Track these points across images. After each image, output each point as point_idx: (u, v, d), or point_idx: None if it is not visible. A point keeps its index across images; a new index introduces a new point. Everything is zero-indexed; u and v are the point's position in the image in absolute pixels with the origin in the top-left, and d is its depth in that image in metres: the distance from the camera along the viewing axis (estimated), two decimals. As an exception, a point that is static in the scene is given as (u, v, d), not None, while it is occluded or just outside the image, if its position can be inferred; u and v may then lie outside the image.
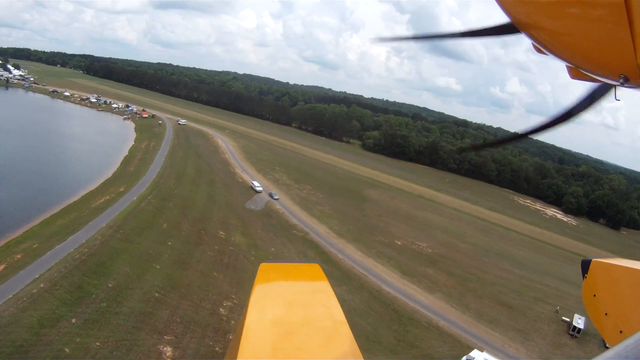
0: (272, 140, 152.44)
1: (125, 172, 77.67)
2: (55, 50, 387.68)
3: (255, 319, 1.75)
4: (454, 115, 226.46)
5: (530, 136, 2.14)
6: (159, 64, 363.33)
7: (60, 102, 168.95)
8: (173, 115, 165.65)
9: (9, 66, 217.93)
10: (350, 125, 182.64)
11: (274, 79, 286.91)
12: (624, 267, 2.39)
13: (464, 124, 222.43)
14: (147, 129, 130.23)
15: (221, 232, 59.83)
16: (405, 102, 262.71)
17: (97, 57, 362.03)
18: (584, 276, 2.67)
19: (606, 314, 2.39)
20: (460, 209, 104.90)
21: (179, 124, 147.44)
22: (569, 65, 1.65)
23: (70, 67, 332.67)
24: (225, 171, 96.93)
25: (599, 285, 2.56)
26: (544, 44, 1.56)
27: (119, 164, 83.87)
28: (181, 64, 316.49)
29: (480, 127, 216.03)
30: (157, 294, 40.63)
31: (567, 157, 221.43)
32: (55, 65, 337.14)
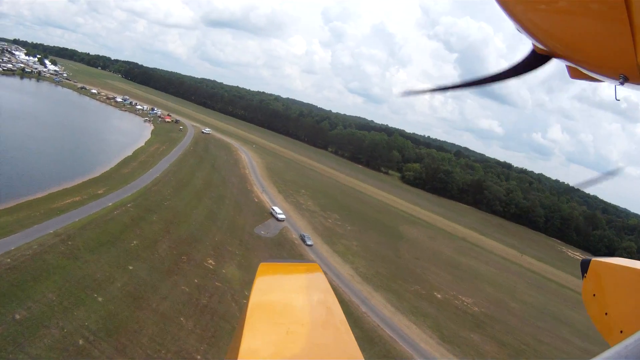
0: (302, 161, 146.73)
1: (116, 174, 69.56)
2: (102, 54, 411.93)
3: (255, 318, 1.81)
4: (496, 158, 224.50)
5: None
6: (202, 79, 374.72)
7: (86, 98, 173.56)
8: (201, 124, 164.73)
9: (46, 61, 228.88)
10: (390, 155, 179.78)
11: (316, 106, 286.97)
12: (624, 266, 2.49)
13: (508, 166, 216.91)
14: (165, 133, 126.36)
15: (210, 261, 48.63)
16: (446, 140, 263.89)
17: (140, 65, 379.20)
18: (583, 276, 2.79)
19: (606, 313, 2.49)
20: (507, 257, 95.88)
21: (203, 132, 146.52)
22: (569, 64, 1.73)
23: (111, 71, 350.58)
24: (241, 188, 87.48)
25: (598, 285, 2.66)
26: (544, 43, 1.64)
27: (115, 164, 76.34)
28: (226, 82, 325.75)
29: (523, 171, 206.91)
30: (81, 341, 29.45)
31: (610, 209, 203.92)
32: (97, 67, 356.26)
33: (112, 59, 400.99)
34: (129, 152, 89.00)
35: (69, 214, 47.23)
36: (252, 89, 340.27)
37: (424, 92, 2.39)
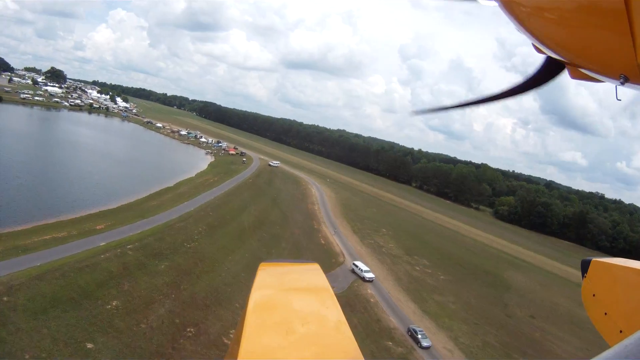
0: (383, 196, 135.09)
1: (139, 206, 58.98)
2: (180, 95, 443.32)
3: (255, 318, 1.92)
4: (583, 190, 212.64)
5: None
6: (282, 119, 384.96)
7: (150, 132, 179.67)
8: (272, 158, 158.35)
9: (118, 99, 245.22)
10: (480, 188, 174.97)
11: (398, 144, 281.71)
12: (624, 266, 2.65)
13: (600, 196, 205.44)
14: (224, 165, 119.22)
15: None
16: (531, 174, 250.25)
17: (215, 104, 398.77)
18: (583, 276, 2.93)
19: (606, 313, 2.64)
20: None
21: (270, 165, 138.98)
22: (569, 65, 1.83)
23: (186, 110, 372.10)
24: (305, 226, 72.95)
25: (598, 285, 2.81)
26: (544, 44, 1.73)
27: (145, 195, 66.39)
28: (306, 122, 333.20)
29: (616, 202, 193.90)
30: None
31: None
32: (173, 106, 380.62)
33: (190, 99, 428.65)
34: (171, 183, 79.66)
35: (34, 255, 35.54)
36: (332, 129, 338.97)
37: (437, 110, 2.47)
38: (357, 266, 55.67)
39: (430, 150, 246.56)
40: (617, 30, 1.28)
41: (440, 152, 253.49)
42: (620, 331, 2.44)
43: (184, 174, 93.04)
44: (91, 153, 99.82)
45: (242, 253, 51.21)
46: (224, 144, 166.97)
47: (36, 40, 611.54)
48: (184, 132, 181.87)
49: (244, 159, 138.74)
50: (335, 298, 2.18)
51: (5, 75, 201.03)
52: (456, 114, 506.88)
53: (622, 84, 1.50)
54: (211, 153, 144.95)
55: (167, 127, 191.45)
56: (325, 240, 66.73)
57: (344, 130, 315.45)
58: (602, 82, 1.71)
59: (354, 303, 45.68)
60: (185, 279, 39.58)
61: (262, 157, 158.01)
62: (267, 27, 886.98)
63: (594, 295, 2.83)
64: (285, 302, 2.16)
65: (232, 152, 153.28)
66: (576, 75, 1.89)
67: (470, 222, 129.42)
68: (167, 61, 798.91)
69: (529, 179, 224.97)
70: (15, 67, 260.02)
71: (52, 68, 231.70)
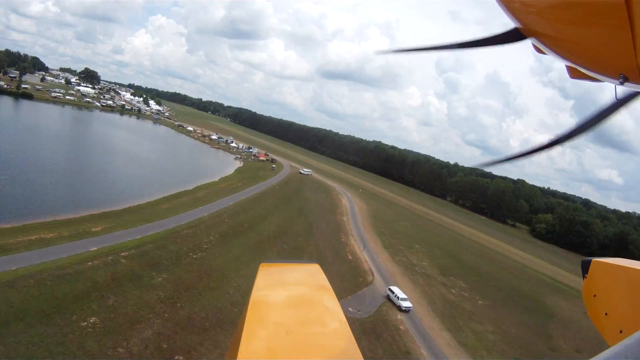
0: (417, 210, 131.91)
1: (148, 209, 55.65)
2: (215, 101, 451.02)
3: (255, 318, 1.96)
4: (619, 209, 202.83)
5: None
6: (317, 128, 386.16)
7: (181, 135, 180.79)
8: (304, 166, 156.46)
9: (151, 102, 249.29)
10: (517, 204, 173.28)
11: (434, 157, 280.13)
12: (624, 267, 2.67)
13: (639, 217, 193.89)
14: (251, 171, 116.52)
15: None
16: (566, 192, 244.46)
17: (249, 110, 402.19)
18: (584, 276, 2.97)
19: (606, 314, 2.68)
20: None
21: (301, 173, 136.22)
22: (569, 64, 1.86)
23: (221, 115, 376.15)
24: (331, 239, 67.94)
25: (599, 285, 2.85)
26: (544, 43, 1.76)
27: (159, 197, 63.23)
28: (342, 133, 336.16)
29: None
30: None
31: None
32: (207, 111, 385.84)
33: (226, 105, 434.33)
34: (191, 186, 76.46)
35: (12, 258, 32.39)
36: (368, 140, 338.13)
37: (400, 51, 2.52)
38: (392, 292, 49.33)
39: (465, 165, 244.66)
40: (617, 29, 1.29)
41: (476, 167, 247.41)
42: (621, 331, 2.47)
43: (206, 178, 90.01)
44: (111, 152, 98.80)
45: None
46: (255, 150, 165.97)
47: (76, 43, 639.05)
48: (214, 137, 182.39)
49: (274, 166, 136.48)
50: (335, 298, 2.19)
51: (39, 74, 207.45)
52: (492, 128, 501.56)
53: (622, 83, 1.51)
54: (240, 158, 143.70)
55: (198, 131, 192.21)
56: (353, 256, 61.24)
57: (379, 142, 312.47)
58: (601, 81, 1.72)
59: (381, 330, 40.11)
60: (184, 295, 35.08)
61: (293, 164, 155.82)
62: (306, 36, 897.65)
63: (594, 295, 2.85)
64: (285, 302, 2.19)
65: (262, 158, 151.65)
66: (576, 75, 1.91)
67: (508, 240, 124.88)
68: (205, 68, 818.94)
69: (565, 197, 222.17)
70: (52, 67, 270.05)
71: (86, 69, 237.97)
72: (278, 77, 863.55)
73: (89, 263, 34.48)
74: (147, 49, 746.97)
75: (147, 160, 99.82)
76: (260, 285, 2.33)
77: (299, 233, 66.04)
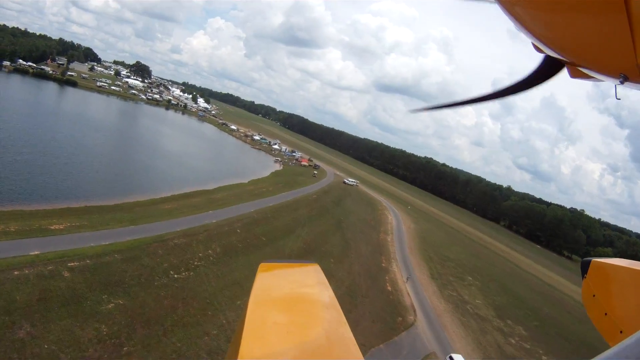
0: (470, 233, 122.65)
1: (144, 208, 46.21)
2: (266, 105, 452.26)
3: (255, 318, 1.96)
4: None
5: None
6: (367, 139, 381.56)
7: (223, 134, 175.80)
8: (349, 176, 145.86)
9: (200, 100, 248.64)
10: (575, 235, 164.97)
11: (484, 179, 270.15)
12: (624, 267, 2.71)
13: None
14: (289, 175, 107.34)
15: None
16: (616, 224, 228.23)
17: (300, 116, 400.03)
18: (583, 276, 3.00)
19: (606, 314, 2.69)
20: None
21: (345, 182, 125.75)
22: (569, 64, 1.90)
23: (271, 119, 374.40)
24: (371, 263, 56.80)
25: (598, 285, 2.88)
26: (544, 43, 1.78)
27: (167, 195, 53.99)
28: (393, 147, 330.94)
29: None
30: None
31: None
32: (258, 114, 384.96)
33: (278, 110, 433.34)
34: (211, 186, 67.02)
35: None
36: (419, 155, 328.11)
37: (436, 108, 2.55)
38: None
39: (515, 189, 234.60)
40: (617, 29, 1.29)
41: (526, 192, 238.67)
42: (621, 331, 2.46)
43: (234, 179, 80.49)
44: (133, 141, 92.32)
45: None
46: (298, 154, 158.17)
47: (134, 39, 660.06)
48: (257, 137, 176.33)
49: (316, 172, 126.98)
50: (335, 298, 2.19)
51: (89, 64, 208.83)
52: (545, 153, 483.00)
53: (622, 83, 1.52)
54: (280, 161, 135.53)
55: (241, 131, 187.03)
56: (392, 286, 49.44)
57: (430, 159, 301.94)
58: (602, 81, 1.74)
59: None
60: (139, 333, 24.50)
61: (338, 173, 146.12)
62: (363, 48, 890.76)
63: (594, 295, 2.85)
64: (285, 303, 2.19)
65: (304, 163, 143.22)
66: (576, 75, 1.92)
67: (567, 275, 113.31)
68: (261, 72, 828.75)
69: (619, 229, 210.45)
70: (105, 60, 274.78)
71: (138, 62, 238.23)
72: (334, 87, 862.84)
73: (15, 272, 24.73)
74: (204, 50, 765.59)
75: (171, 153, 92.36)
76: (260, 285, 2.26)
77: (331, 253, 54.76)
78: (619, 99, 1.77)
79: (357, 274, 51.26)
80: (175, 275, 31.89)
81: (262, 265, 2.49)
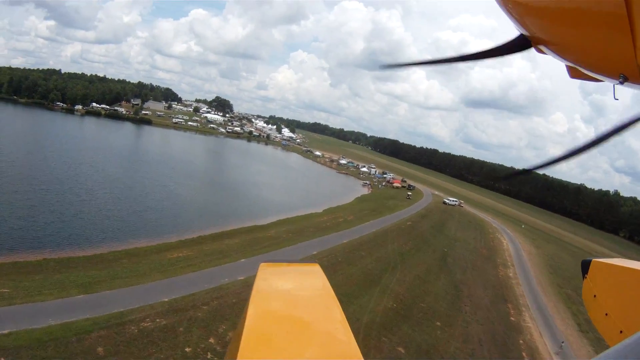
0: (598, 251, 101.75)
1: (128, 262, 30.93)
2: (356, 131, 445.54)
3: (255, 319, 1.93)
4: None
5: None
6: (461, 156, 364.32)
7: (307, 160, 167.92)
8: (448, 194, 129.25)
9: (285, 129, 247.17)
10: None
11: (585, 186, 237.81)
12: (624, 267, 2.73)
13: None
14: (378, 200, 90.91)
15: None
16: None
17: (390, 139, 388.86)
18: (584, 276, 3.05)
19: (606, 314, 2.73)
20: None
21: (445, 202, 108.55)
22: (569, 64, 1.90)
23: (361, 144, 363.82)
24: (494, 317, 38.37)
25: (599, 285, 2.92)
26: (543, 43, 1.80)
27: (195, 236, 38.72)
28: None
29: None
30: None
31: None
32: (348, 141, 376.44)
33: (369, 135, 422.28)
34: (268, 220, 51.24)
35: None
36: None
37: (407, 65, 2.57)
38: None
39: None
40: (617, 30, 1.29)
41: (632, 196, 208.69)
42: (621, 331, 2.49)
43: (307, 208, 64.89)
44: (197, 174, 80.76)
45: None
46: (390, 176, 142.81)
47: (220, 80, 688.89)
48: (343, 162, 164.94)
49: (410, 193, 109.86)
50: (335, 299, 2.14)
51: (168, 103, 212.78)
52: None
53: (621, 83, 1.52)
54: (369, 185, 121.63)
55: (326, 156, 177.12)
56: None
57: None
58: (601, 81, 1.74)
59: None
60: None
61: (436, 192, 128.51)
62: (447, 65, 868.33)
63: (594, 296, 2.88)
64: (285, 303, 2.15)
65: (396, 184, 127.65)
66: (576, 75, 1.94)
67: None
68: (349, 100, 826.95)
69: None
70: (187, 99, 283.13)
71: (217, 97, 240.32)
72: (422, 108, 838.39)
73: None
74: (290, 83, 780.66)
75: (234, 183, 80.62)
76: (260, 285, 2.18)
77: (435, 310, 35.57)
78: (617, 99, 1.77)
79: (478, 343, 31.74)
80: None
81: (263, 265, 2.37)
